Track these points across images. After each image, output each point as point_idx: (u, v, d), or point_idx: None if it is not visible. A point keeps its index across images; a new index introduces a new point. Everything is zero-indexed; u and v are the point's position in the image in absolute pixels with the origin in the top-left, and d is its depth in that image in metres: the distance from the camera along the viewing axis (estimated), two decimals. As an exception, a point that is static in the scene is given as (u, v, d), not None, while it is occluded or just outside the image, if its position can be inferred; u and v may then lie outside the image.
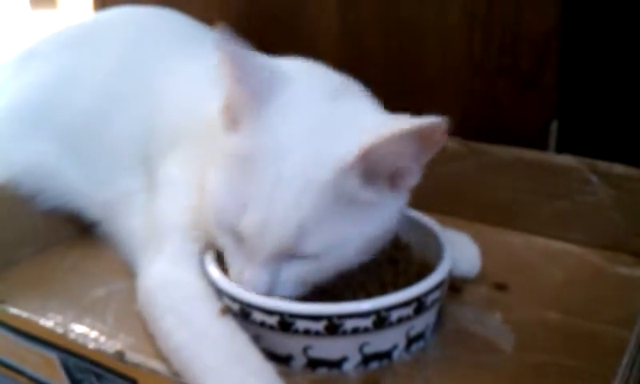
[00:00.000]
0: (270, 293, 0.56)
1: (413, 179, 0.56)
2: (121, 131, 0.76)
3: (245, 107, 0.54)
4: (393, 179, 0.55)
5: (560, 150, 0.84)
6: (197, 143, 0.65)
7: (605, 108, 0.84)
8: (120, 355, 0.60)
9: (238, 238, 0.56)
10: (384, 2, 0.91)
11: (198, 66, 0.76)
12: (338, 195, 0.53)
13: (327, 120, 0.55)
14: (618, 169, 0.77)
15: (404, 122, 0.51)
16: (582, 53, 0.84)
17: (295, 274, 0.56)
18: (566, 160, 0.80)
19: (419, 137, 0.51)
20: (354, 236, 0.55)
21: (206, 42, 0.83)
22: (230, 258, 0.59)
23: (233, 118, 0.56)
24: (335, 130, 0.54)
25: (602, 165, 0.78)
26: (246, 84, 0.54)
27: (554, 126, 0.86)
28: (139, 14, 0.85)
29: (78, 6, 1.28)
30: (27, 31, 1.29)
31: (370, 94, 0.62)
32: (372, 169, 0.53)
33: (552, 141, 0.86)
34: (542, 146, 0.85)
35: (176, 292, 0.61)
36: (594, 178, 0.78)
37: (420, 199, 0.73)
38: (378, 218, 0.56)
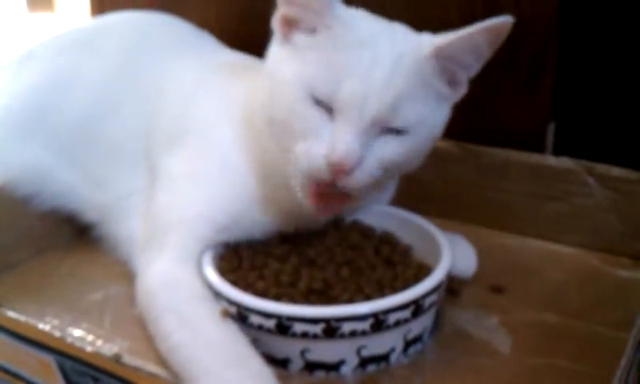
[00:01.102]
0: (358, 164, 0.57)
1: (463, 88, 0.63)
2: (119, 134, 0.76)
3: (325, 10, 0.59)
4: (450, 83, 0.62)
5: (557, 152, 0.84)
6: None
7: (602, 110, 0.84)
8: (118, 358, 0.60)
9: (329, 111, 0.58)
10: (383, 1, 0.90)
11: (197, 66, 0.76)
12: (421, 79, 0.60)
13: (397, 27, 0.63)
14: (615, 171, 0.77)
15: (475, 26, 0.59)
16: (580, 55, 0.84)
17: (382, 151, 0.59)
18: (564, 162, 0.80)
19: (489, 34, 0.59)
20: (433, 119, 0.62)
21: (203, 45, 0.84)
22: (313, 137, 0.58)
23: (302, 25, 0.61)
24: (407, 33, 0.63)
25: (600, 167, 0.78)
26: None
27: (552, 128, 0.86)
28: (137, 19, 0.85)
29: (75, 9, 1.28)
30: (24, 34, 1.29)
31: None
32: (442, 66, 0.61)
33: (549, 143, 0.86)
34: (540, 148, 0.85)
35: (176, 292, 0.61)
36: (592, 181, 0.78)
37: (418, 201, 0.73)
38: (443, 112, 0.63)
